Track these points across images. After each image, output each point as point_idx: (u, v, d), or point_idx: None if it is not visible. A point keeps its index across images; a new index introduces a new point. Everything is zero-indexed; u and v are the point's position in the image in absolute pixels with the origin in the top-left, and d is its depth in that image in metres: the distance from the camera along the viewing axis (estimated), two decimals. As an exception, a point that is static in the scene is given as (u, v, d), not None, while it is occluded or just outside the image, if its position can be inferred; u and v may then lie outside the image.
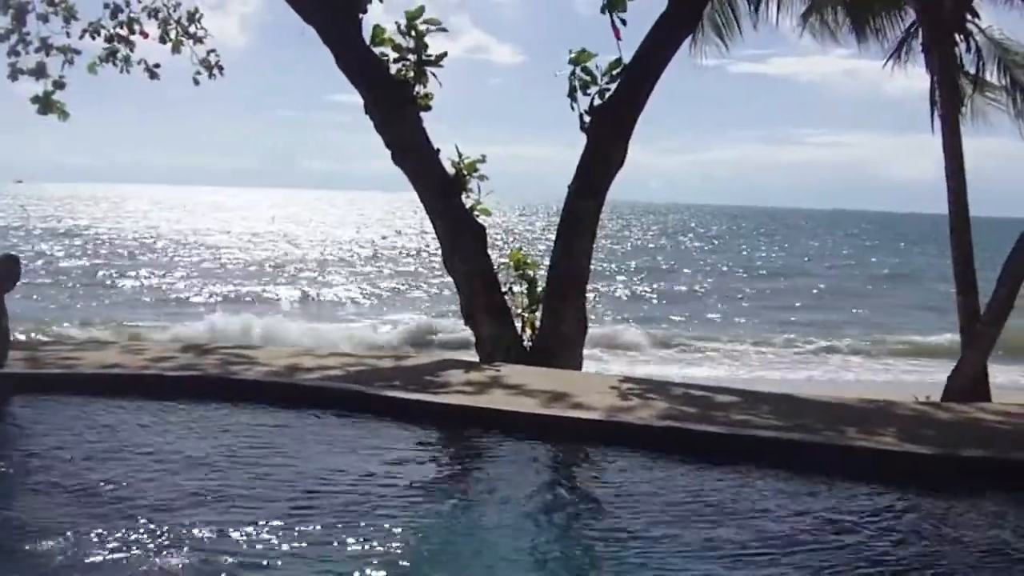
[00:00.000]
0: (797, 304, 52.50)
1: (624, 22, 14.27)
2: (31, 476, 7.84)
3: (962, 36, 20.13)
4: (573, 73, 14.61)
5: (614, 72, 14.45)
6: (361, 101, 14.69)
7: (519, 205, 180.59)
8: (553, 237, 15.10)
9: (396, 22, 14.93)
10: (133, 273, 56.03)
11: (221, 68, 18.12)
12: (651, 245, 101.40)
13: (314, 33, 14.64)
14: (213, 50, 18.02)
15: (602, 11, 14.22)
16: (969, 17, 20.21)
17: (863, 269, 79.09)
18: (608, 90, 14.48)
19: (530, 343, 14.64)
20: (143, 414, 9.81)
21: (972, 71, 20.80)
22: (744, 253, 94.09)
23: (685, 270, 72.57)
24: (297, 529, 6.57)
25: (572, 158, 14.69)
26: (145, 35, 17.72)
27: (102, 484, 7.48)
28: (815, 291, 59.86)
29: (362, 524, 6.76)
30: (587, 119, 14.53)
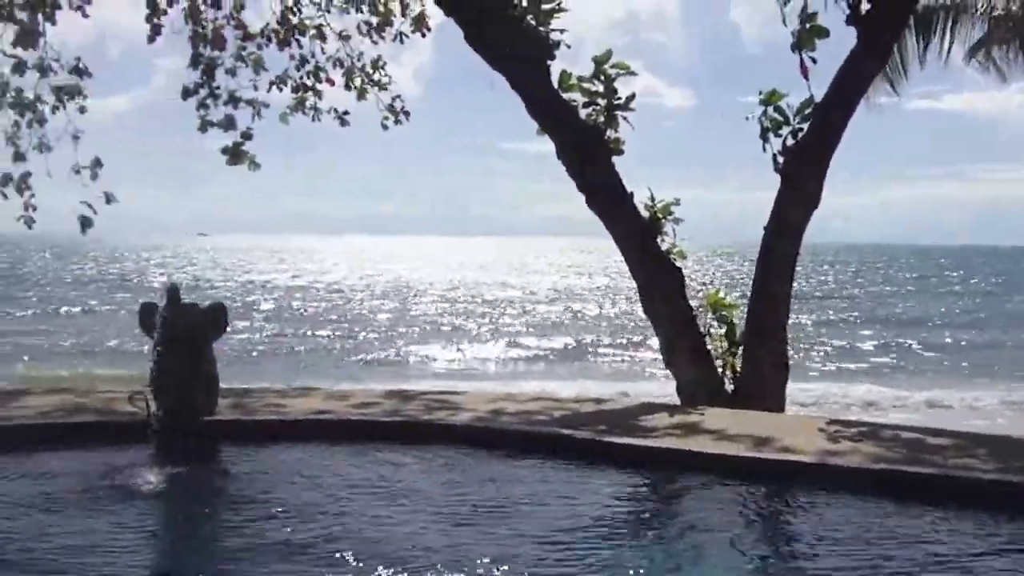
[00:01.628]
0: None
1: (814, 60, 14.11)
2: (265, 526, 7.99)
3: None
4: (764, 113, 14.52)
5: (806, 111, 14.30)
6: (537, 148, 14.82)
7: (698, 248, 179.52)
8: (741, 281, 14.96)
9: (581, 75, 15.01)
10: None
11: (407, 113, 18.49)
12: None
13: (502, 80, 14.81)
14: (398, 96, 18.42)
15: (792, 50, 14.06)
16: None
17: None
18: (801, 130, 14.33)
19: (731, 386, 14.55)
20: (359, 458, 10.06)
21: None
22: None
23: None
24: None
25: (749, 201, 14.59)
26: (331, 83, 18.19)
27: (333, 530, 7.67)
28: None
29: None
30: (780, 160, 14.40)
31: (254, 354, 45.46)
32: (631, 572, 6.87)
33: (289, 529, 7.74)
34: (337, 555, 7.10)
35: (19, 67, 16.34)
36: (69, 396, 12.97)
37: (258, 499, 8.79)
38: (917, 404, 33.48)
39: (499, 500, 8.68)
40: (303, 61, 18.04)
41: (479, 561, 6.97)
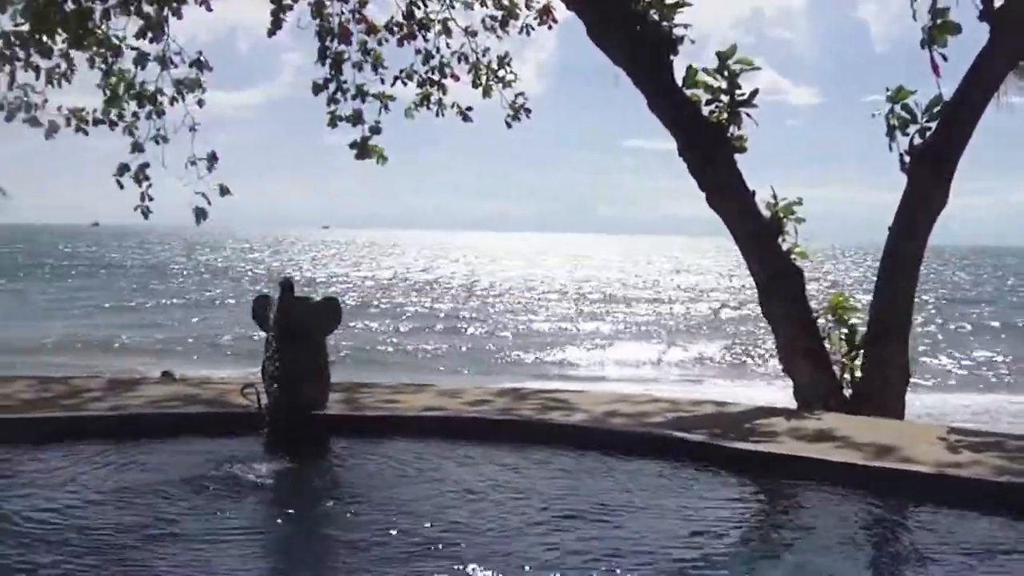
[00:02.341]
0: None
1: (945, 58, 13.75)
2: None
3: None
4: (891, 111, 14.18)
5: (934, 110, 13.94)
6: (661, 146, 14.64)
7: (821, 247, 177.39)
8: (865, 281, 14.65)
9: (704, 68, 14.79)
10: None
11: (528, 111, 18.46)
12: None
13: (625, 77, 14.68)
14: (522, 93, 18.39)
15: (922, 46, 13.73)
16: None
17: None
18: (928, 129, 13.97)
19: (849, 390, 14.24)
20: (464, 455, 10.03)
21: None
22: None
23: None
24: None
25: (877, 200, 14.27)
26: (456, 78, 18.24)
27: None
28: None
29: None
30: (907, 159, 14.06)
31: (380, 349, 45.71)
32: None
33: (391, 527, 7.67)
34: (439, 553, 7.05)
35: (141, 59, 16.64)
36: (183, 387, 13.12)
37: (360, 494, 8.80)
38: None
39: (600, 502, 8.49)
40: (428, 56, 18.12)
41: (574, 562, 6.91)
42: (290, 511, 8.36)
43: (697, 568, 7.05)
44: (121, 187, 16.35)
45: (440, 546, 7.22)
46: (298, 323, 10.34)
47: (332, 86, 17.34)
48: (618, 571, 6.76)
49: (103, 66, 16.91)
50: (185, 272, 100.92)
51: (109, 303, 64.97)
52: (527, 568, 6.78)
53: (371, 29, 17.74)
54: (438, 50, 18.20)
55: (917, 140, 14.04)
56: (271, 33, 17.24)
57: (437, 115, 18.33)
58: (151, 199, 16.57)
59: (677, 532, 7.70)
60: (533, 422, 11.06)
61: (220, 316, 57.24)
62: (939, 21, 13.66)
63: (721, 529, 7.98)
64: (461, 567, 6.74)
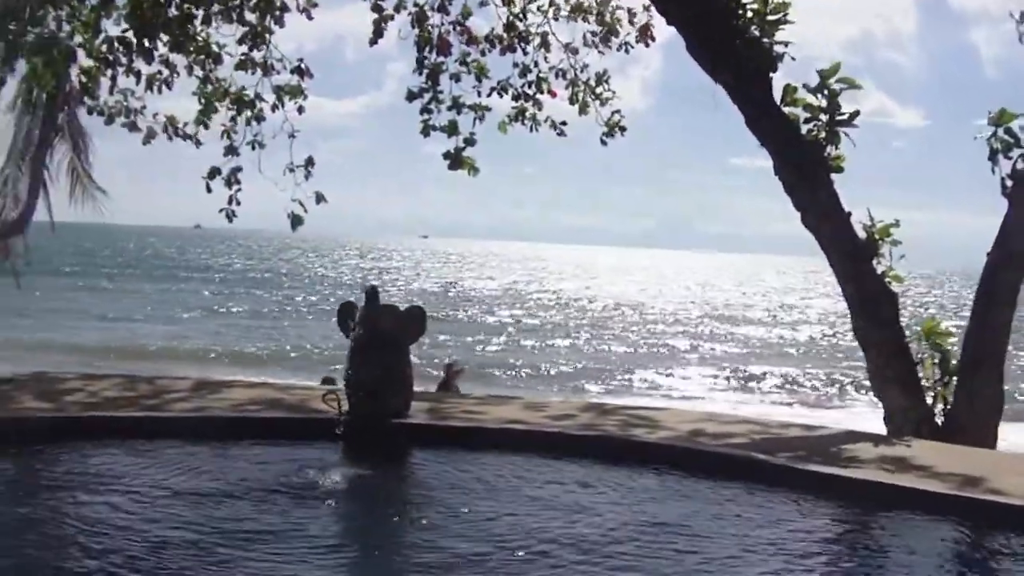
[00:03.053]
0: None
1: (1052, 81, 13.45)
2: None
3: None
4: (994, 135, 13.88)
5: (1039, 134, 13.62)
6: (765, 164, 14.47)
7: (926, 272, 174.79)
8: (965, 307, 14.35)
9: (804, 84, 14.60)
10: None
11: (623, 129, 18.32)
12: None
13: (724, 94, 14.54)
14: (618, 110, 18.26)
15: (1031, 68, 13.45)
16: None
17: None
18: (1031, 153, 13.65)
19: (941, 418, 13.95)
20: (542, 469, 9.90)
21: None
22: None
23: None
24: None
25: (983, 225, 13.97)
26: (553, 94, 18.16)
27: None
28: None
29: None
30: (1009, 183, 13.76)
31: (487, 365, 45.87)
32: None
33: (462, 537, 7.64)
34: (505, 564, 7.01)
35: (244, 64, 16.80)
36: (267, 391, 13.17)
37: (431, 504, 8.77)
38: None
39: (665, 521, 8.33)
40: (526, 70, 18.06)
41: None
42: (350, 519, 8.38)
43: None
44: (209, 190, 16.50)
45: (495, 555, 7.20)
46: (382, 331, 10.34)
47: (427, 95, 17.36)
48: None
49: (200, 73, 17.09)
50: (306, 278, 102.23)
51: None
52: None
53: (471, 40, 17.73)
54: (536, 64, 18.15)
55: (1020, 164, 13.74)
56: (373, 42, 17.32)
57: (531, 130, 18.28)
58: (239, 203, 16.69)
59: (731, 554, 7.61)
60: (615, 438, 10.96)
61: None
62: (1049, 43, 13.40)
63: (780, 551, 7.79)
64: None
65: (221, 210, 16.73)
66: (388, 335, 10.39)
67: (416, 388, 11.07)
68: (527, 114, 18.21)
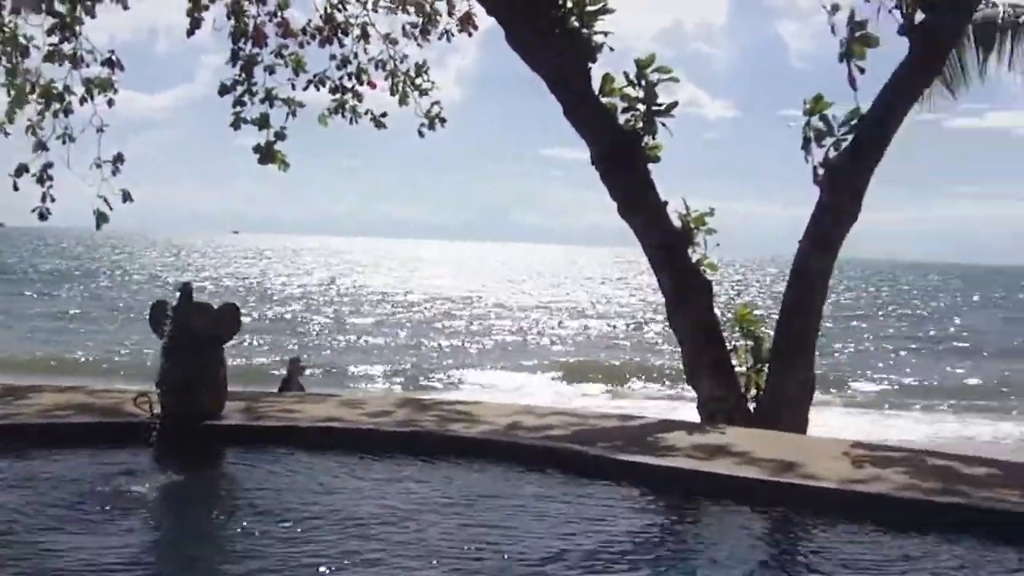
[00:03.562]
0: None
1: (862, 70, 13.71)
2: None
3: None
4: (808, 123, 14.10)
5: (851, 122, 13.88)
6: (581, 155, 14.50)
7: (739, 260, 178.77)
8: (777, 294, 14.60)
9: (624, 72, 14.65)
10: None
11: (443, 120, 18.23)
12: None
13: (541, 83, 14.51)
14: (437, 102, 18.16)
15: (840, 59, 13.68)
16: None
17: None
18: (844, 141, 13.91)
19: (754, 404, 14.15)
20: (359, 467, 9.78)
21: None
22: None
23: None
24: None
25: (794, 214, 14.20)
26: (373, 85, 17.98)
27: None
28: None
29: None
30: (821, 172, 14.00)
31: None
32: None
33: (277, 539, 7.46)
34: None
35: (52, 56, 16.24)
36: (78, 395, 12.72)
37: (246, 506, 8.50)
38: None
39: (488, 517, 8.31)
40: (345, 62, 17.85)
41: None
42: (163, 523, 8.15)
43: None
44: (16, 188, 15.87)
45: (313, 557, 7.04)
46: (196, 330, 10.09)
47: (241, 88, 17.03)
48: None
49: (8, 64, 16.47)
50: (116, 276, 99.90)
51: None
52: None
53: (288, 32, 17.45)
54: (355, 56, 17.95)
55: (832, 153, 13.98)
56: (190, 33, 16.90)
57: (351, 122, 18.08)
58: (53, 200, 16.13)
59: (555, 545, 7.53)
60: (434, 434, 10.82)
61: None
62: (858, 35, 13.62)
63: (601, 543, 7.75)
64: None
65: (34, 209, 16.15)
66: (202, 334, 10.13)
67: (258, 388, 10.82)
68: (347, 106, 18.01)
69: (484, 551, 7.36)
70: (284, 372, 22.23)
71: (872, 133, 13.84)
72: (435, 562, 7.06)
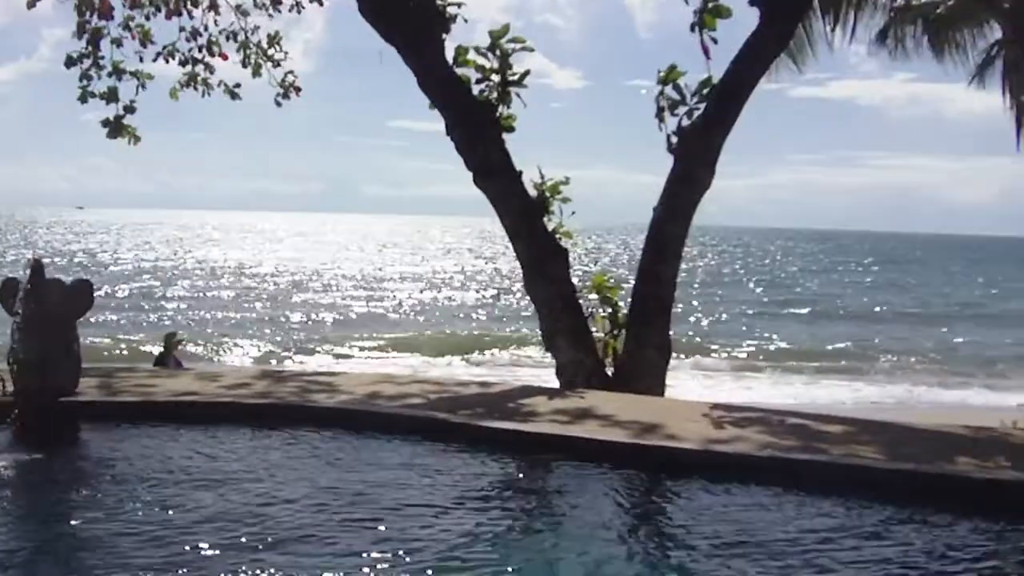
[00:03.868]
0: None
1: (715, 40, 13.93)
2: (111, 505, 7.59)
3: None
4: (661, 92, 14.29)
5: (704, 91, 14.11)
6: (427, 126, 14.57)
7: (595, 228, 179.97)
8: (633, 261, 14.77)
9: (476, 47, 14.70)
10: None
11: (299, 89, 18.02)
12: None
13: (394, 54, 14.47)
14: (291, 71, 17.93)
15: (691, 29, 13.90)
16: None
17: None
18: (697, 110, 14.14)
19: (612, 369, 14.33)
20: (216, 440, 9.66)
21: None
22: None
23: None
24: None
25: (647, 182, 14.39)
26: (224, 57, 17.66)
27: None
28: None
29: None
30: (674, 140, 14.20)
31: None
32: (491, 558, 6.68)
33: (134, 512, 7.36)
34: (187, 539, 6.76)
35: None
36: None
37: (105, 481, 8.38)
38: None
39: (355, 485, 8.28)
40: (195, 34, 17.46)
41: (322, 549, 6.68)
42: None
43: (457, 546, 6.86)
44: None
45: (172, 530, 6.93)
46: (48, 306, 9.87)
47: (87, 61, 16.63)
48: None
49: None
50: None
51: None
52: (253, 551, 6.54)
53: (135, 4, 17.03)
54: (206, 28, 17.61)
55: (685, 121, 14.19)
56: (31, 5, 16.42)
57: (203, 95, 17.76)
58: None
59: (421, 513, 7.52)
60: (288, 404, 10.75)
61: None
62: (710, 5, 13.84)
63: (480, 508, 7.82)
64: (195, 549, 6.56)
65: None
66: (54, 310, 9.92)
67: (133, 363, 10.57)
68: (199, 79, 17.68)
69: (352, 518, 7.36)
70: (160, 347, 21.80)
71: (724, 102, 14.10)
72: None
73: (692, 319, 52.33)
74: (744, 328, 52.12)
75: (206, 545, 6.63)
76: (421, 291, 71.44)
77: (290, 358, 38.77)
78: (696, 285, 73.22)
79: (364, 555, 6.56)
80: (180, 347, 21.28)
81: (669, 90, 14.20)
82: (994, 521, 7.47)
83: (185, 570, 6.24)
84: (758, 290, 78.25)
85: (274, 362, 37.11)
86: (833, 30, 19.31)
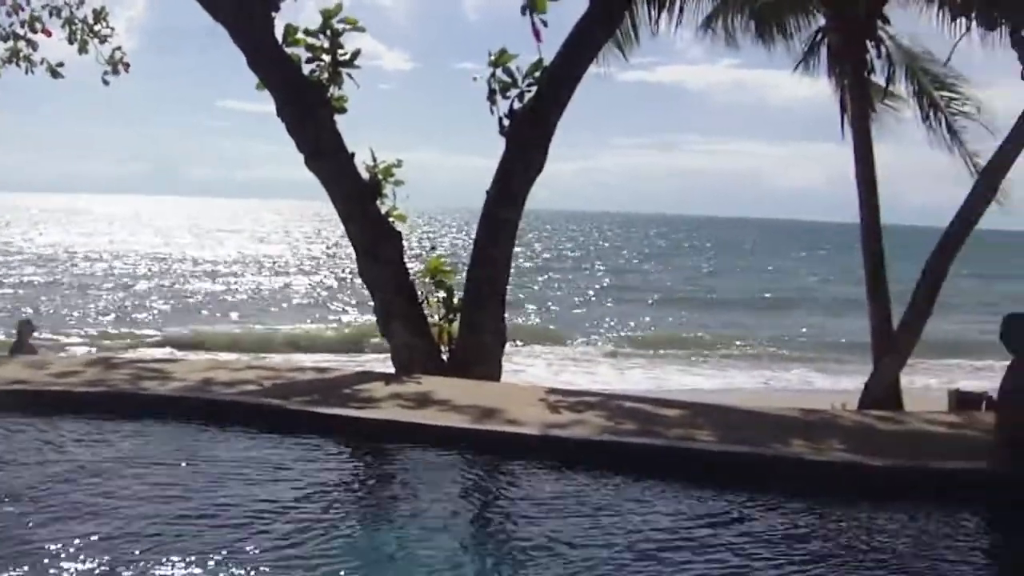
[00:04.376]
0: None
1: (545, 24, 13.94)
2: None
3: (873, 43, 19.96)
4: (493, 75, 14.25)
5: (535, 74, 14.11)
6: (255, 107, 14.36)
7: (428, 211, 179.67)
8: (466, 245, 14.72)
9: (306, 29, 14.48)
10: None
11: (127, 65, 17.54)
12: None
13: (223, 33, 14.16)
14: (119, 47, 17.44)
15: (522, 12, 13.87)
16: (880, 24, 20.08)
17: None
18: (529, 93, 14.13)
19: (447, 353, 14.26)
20: (46, 430, 9.36)
21: (882, 78, 20.65)
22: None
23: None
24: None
25: (479, 165, 14.36)
26: (48, 33, 17.10)
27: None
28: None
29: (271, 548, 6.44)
30: (507, 123, 14.17)
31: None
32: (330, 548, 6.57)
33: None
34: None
35: None
36: None
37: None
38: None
39: (182, 475, 8.17)
40: (16, 8, 16.86)
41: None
42: None
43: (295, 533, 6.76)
44: None
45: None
46: None
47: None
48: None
49: None
50: None
51: None
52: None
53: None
54: (28, 2, 17.01)
55: (517, 104, 14.18)
56: None
57: (27, 72, 17.17)
58: None
59: (259, 500, 7.41)
60: (120, 392, 10.48)
61: None
62: (541, -12, 13.83)
63: (319, 495, 7.73)
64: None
65: None
66: None
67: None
68: (21, 55, 17.09)
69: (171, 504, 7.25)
70: (13, 334, 21.07)
71: (555, 85, 14.12)
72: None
73: (533, 306, 52.51)
74: (586, 313, 52.50)
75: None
76: (262, 274, 70.44)
77: (125, 345, 37.84)
78: (536, 271, 73.49)
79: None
80: (35, 335, 20.62)
81: (500, 73, 14.16)
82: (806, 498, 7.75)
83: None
84: (600, 274, 78.84)
85: (99, 346, 36.24)
86: (659, 16, 19.57)
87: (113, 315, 46.43)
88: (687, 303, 59.28)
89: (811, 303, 60.09)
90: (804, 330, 47.29)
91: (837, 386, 27.23)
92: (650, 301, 60.11)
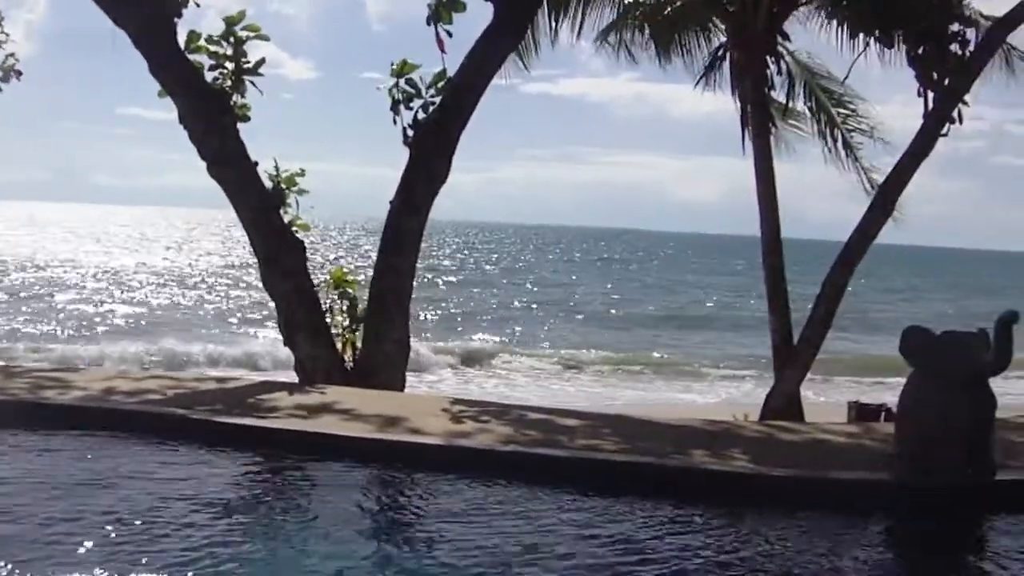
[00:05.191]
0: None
1: (450, 34, 13.99)
2: None
3: (773, 58, 20.17)
4: (396, 85, 14.26)
5: (439, 85, 14.14)
6: (157, 114, 14.22)
7: (332, 221, 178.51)
8: (369, 255, 14.71)
9: (209, 36, 14.38)
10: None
11: (19, 73, 17.24)
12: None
13: (125, 39, 14.01)
14: (12, 54, 17.15)
15: (427, 23, 13.92)
16: (780, 40, 20.31)
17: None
18: (433, 103, 14.16)
19: (351, 364, 14.23)
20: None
21: (782, 94, 20.87)
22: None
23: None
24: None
25: (383, 174, 14.36)
26: (-65, 39, 16.77)
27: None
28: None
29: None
30: (410, 133, 14.19)
31: None
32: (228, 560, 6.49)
33: None
34: None
35: None
36: None
37: None
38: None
39: (82, 485, 7.99)
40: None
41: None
42: None
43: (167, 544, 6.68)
44: None
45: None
46: None
47: None
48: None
49: None
50: None
51: None
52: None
53: None
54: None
55: (421, 115, 14.20)
56: None
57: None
58: None
59: (157, 513, 7.30)
60: (25, 401, 10.33)
61: None
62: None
63: (202, 506, 7.59)
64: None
65: None
66: None
67: None
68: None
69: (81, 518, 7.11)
70: None
71: (459, 95, 14.16)
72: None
73: (433, 316, 52.37)
74: (494, 325, 52.41)
75: None
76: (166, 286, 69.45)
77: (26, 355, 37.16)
78: (436, 280, 73.37)
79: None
80: None
81: (403, 83, 14.18)
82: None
83: None
84: (505, 283, 78.74)
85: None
86: (559, 26, 19.64)
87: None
88: (592, 315, 59.54)
89: (717, 320, 60.54)
90: (707, 344, 47.65)
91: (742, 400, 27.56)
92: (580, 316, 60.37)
